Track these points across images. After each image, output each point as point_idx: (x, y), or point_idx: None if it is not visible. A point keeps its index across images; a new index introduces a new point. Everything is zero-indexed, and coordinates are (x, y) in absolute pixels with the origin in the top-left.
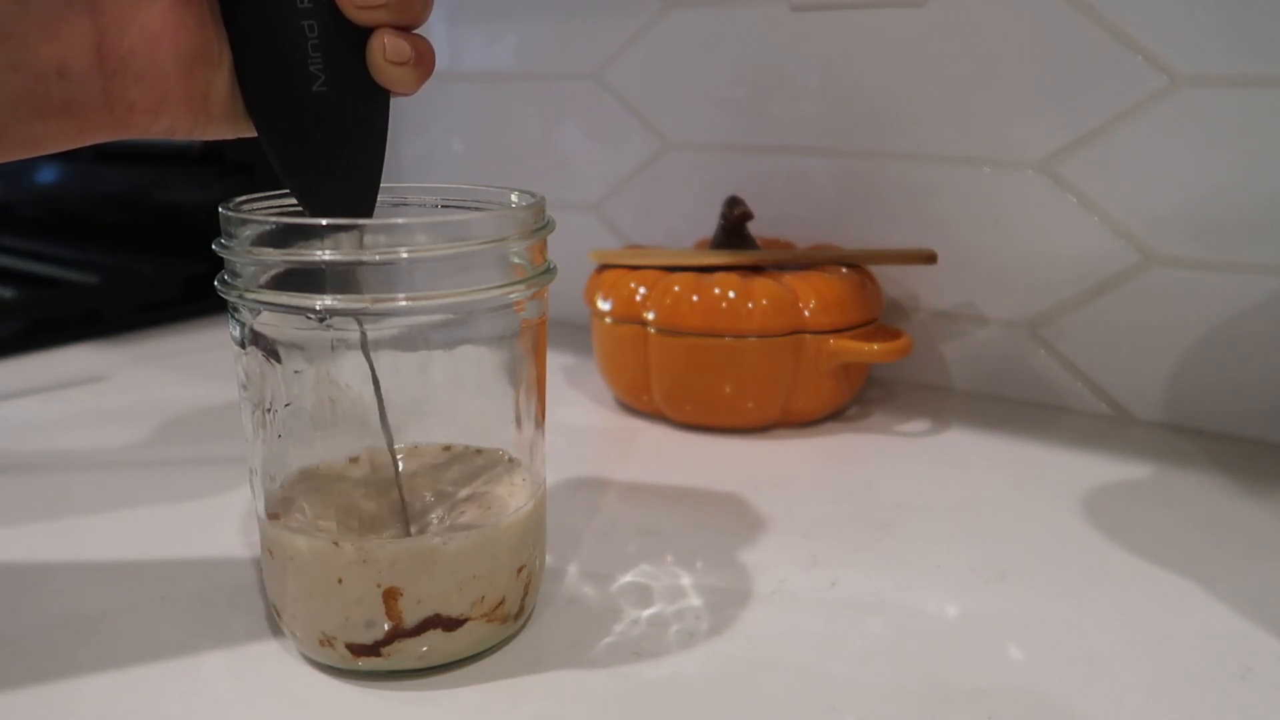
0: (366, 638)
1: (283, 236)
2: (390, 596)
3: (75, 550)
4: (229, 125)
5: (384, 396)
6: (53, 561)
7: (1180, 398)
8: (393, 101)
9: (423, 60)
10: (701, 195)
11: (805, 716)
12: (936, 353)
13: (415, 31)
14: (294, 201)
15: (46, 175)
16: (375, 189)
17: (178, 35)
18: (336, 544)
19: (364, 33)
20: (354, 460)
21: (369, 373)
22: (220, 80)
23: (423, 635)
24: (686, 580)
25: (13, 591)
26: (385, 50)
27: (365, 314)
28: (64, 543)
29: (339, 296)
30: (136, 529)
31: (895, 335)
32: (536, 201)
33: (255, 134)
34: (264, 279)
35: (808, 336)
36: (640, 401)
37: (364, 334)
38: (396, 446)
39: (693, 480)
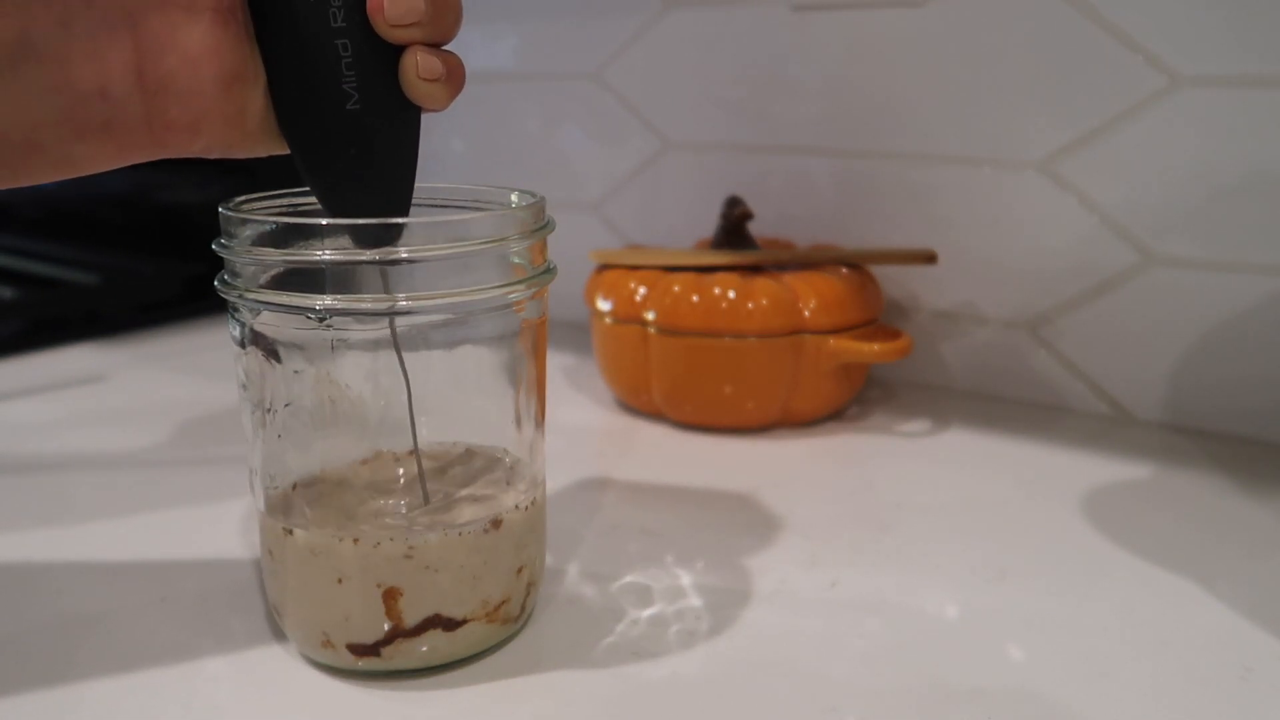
0: (366, 638)
1: (283, 236)
2: (390, 596)
3: (75, 551)
4: (263, 144)
5: (384, 396)
6: (53, 562)
7: (1180, 398)
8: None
9: (454, 76)
10: (701, 195)
11: (805, 716)
12: (936, 353)
13: (445, 48)
14: (294, 201)
15: None
16: (407, 204)
17: (217, 56)
18: (336, 544)
19: (396, 50)
20: (354, 460)
21: (369, 370)
22: (256, 98)
23: (423, 635)
24: (686, 580)
25: (13, 592)
26: (418, 68)
27: (367, 314)
28: (64, 543)
29: (339, 296)
30: (137, 529)
31: (895, 335)
32: (536, 201)
33: (288, 152)
34: (264, 279)
35: (808, 336)
36: (640, 401)
37: (395, 331)
38: (397, 449)
39: (693, 480)
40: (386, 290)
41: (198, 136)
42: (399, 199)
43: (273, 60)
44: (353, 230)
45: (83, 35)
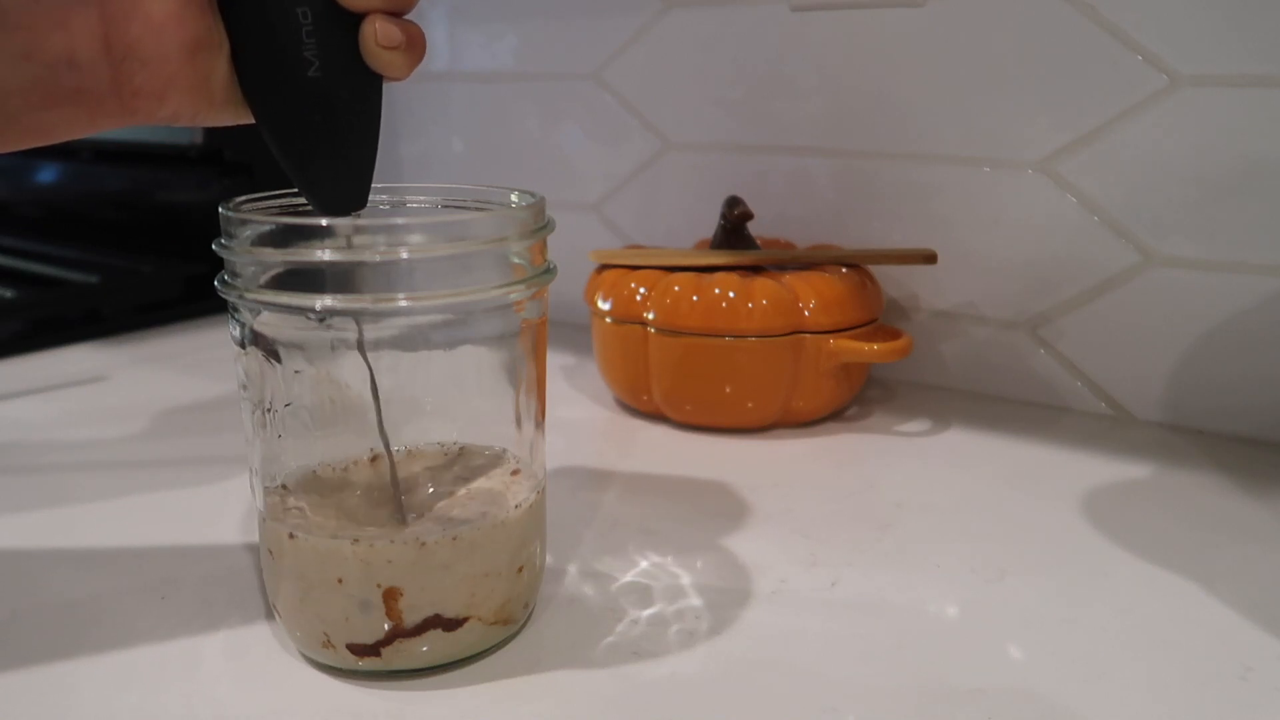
0: (366, 638)
1: (283, 236)
2: (390, 596)
3: (75, 550)
4: (230, 111)
5: (383, 396)
6: (53, 561)
7: (1180, 398)
8: (393, 102)
9: (414, 45)
10: (701, 195)
11: (805, 716)
12: (936, 353)
13: (407, 17)
14: (295, 201)
15: (46, 175)
16: (370, 172)
17: (181, 23)
18: (336, 544)
19: (356, 19)
20: (354, 460)
21: (367, 372)
22: (220, 66)
23: (423, 635)
24: (686, 580)
25: (13, 590)
26: (376, 35)
27: (365, 314)
28: (64, 542)
29: (339, 296)
30: (136, 529)
31: (895, 335)
32: (536, 201)
33: (253, 120)
34: (264, 279)
35: (808, 336)
36: (640, 401)
37: (361, 334)
38: (397, 448)
39: (693, 480)
40: (355, 290)
41: (164, 103)
42: (362, 168)
43: (235, 28)
44: (318, 198)
45: (50, 4)
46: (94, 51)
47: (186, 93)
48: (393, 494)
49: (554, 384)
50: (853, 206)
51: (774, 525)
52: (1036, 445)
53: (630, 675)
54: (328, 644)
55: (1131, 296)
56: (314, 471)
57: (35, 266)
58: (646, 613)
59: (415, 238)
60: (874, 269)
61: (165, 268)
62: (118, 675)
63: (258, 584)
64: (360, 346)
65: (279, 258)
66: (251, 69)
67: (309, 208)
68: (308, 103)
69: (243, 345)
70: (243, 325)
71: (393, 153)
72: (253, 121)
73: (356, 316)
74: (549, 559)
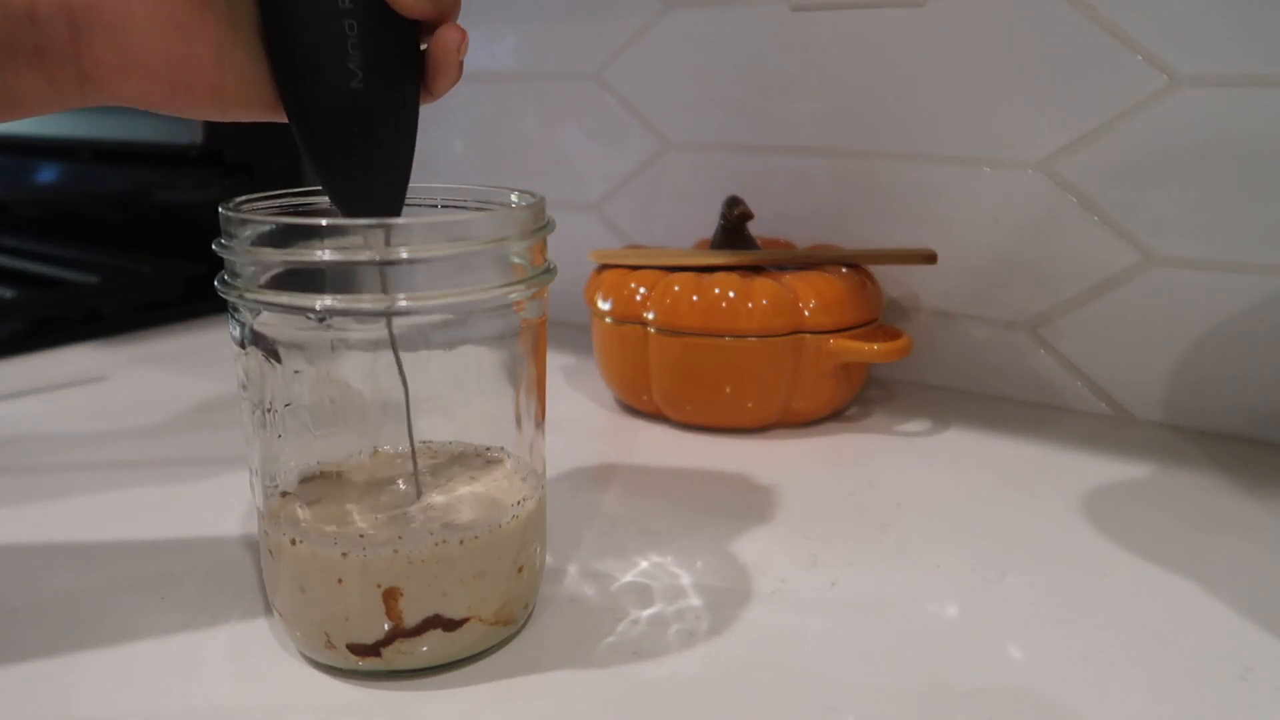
0: (367, 638)
1: (283, 236)
2: (390, 597)
3: (74, 550)
4: (210, 106)
5: (384, 396)
6: (51, 561)
7: (1180, 398)
8: None
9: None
10: (701, 195)
11: (805, 716)
12: (936, 353)
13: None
14: (295, 202)
15: (46, 175)
16: (405, 182)
17: None
18: (336, 544)
19: (399, 33)
20: (354, 460)
21: (369, 370)
22: (202, 54)
23: (423, 635)
24: (686, 580)
25: (12, 590)
26: (460, 45)
27: (365, 314)
28: (63, 541)
29: (339, 296)
30: (136, 528)
31: (895, 335)
32: (536, 201)
33: (243, 120)
34: (264, 279)
35: (808, 336)
36: (640, 401)
37: (392, 331)
38: (397, 449)
39: (692, 480)
40: (385, 290)
41: (129, 78)
42: (396, 178)
43: (278, 38)
44: (351, 208)
45: None
46: (53, 8)
47: (154, 74)
48: (410, 484)
49: (554, 384)
50: (853, 206)
51: (774, 525)
52: (1036, 445)
53: (630, 675)
54: (328, 644)
55: (1131, 296)
56: (314, 471)
57: (35, 266)
58: (646, 613)
59: (415, 238)
60: (874, 269)
61: (165, 268)
62: (118, 674)
63: (258, 583)
64: (392, 343)
65: (279, 258)
66: (294, 79)
67: (309, 208)
68: (348, 114)
69: (243, 345)
70: (243, 325)
71: None
72: (239, 120)
73: (385, 315)
74: (549, 559)
